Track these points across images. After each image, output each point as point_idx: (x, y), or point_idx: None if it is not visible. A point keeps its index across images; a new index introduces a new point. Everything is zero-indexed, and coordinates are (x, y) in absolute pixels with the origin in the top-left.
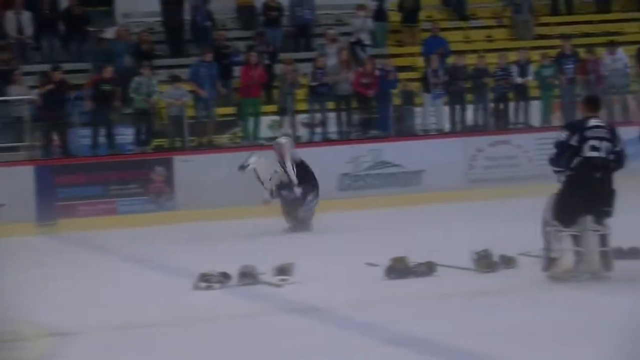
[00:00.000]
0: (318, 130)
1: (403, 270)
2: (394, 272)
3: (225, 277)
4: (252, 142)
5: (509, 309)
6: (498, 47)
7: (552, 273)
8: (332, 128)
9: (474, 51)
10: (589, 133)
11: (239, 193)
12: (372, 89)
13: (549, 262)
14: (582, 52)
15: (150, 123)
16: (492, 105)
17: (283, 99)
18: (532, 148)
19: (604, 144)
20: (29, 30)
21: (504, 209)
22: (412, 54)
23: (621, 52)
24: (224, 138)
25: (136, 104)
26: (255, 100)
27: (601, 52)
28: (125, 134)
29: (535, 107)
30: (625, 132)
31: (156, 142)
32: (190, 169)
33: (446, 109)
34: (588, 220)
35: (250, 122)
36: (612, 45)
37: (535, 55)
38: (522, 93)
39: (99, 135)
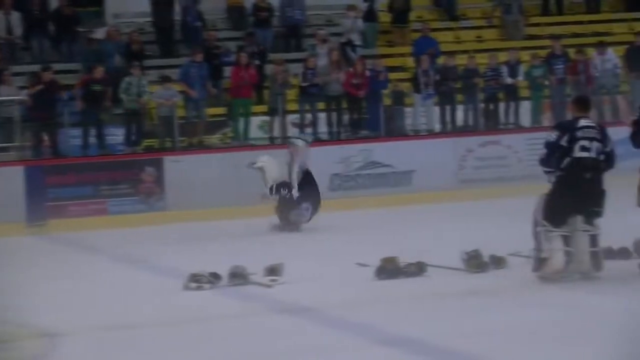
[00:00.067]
0: (308, 130)
1: (393, 270)
2: (385, 272)
3: (215, 277)
4: (243, 143)
5: (499, 309)
6: (488, 47)
7: (542, 273)
8: (323, 128)
9: (464, 51)
10: (579, 133)
11: (230, 193)
12: (362, 90)
13: (539, 263)
14: (572, 52)
15: (141, 123)
16: (482, 105)
17: (273, 100)
18: (522, 148)
19: (594, 144)
20: (18, 30)
21: (494, 209)
22: (402, 55)
23: (611, 53)
24: (214, 138)
25: (126, 104)
26: (246, 101)
27: (591, 52)
28: (116, 134)
29: (526, 107)
30: (615, 133)
31: (146, 142)
32: (181, 169)
33: (436, 109)
34: (578, 220)
35: (241, 122)
36: (601, 45)
37: (525, 56)
38: (512, 93)
39: (89, 136)
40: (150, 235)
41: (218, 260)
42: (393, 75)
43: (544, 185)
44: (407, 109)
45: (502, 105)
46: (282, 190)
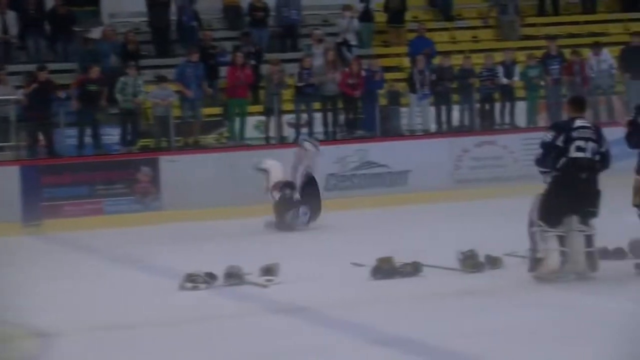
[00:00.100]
0: (304, 130)
1: (389, 270)
2: (380, 272)
3: (211, 277)
4: (238, 143)
5: (495, 309)
6: (484, 47)
7: (537, 273)
8: (318, 128)
9: (460, 52)
10: (574, 134)
11: (225, 193)
12: (358, 90)
13: (535, 263)
14: (567, 52)
15: (136, 123)
16: (478, 105)
17: (269, 100)
18: (517, 148)
19: (590, 145)
20: (14, 29)
21: (489, 209)
22: (398, 55)
23: (606, 53)
24: (210, 138)
25: (122, 104)
26: (242, 101)
27: (586, 53)
28: (111, 134)
29: (521, 107)
30: (611, 133)
31: (142, 142)
32: (176, 169)
33: (432, 109)
34: (574, 220)
35: (237, 122)
36: (597, 46)
37: (521, 56)
38: (507, 94)
39: (84, 135)
40: (145, 235)
41: (214, 260)
42: (389, 75)
43: (539, 185)
44: (403, 109)
45: (497, 106)
46: (285, 190)
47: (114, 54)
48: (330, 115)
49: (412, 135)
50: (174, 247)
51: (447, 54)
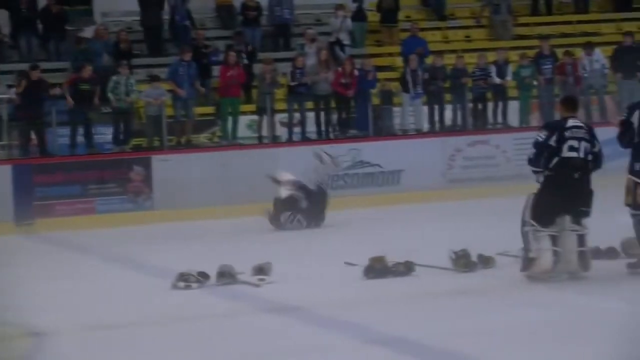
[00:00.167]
0: (297, 130)
1: (381, 269)
2: (373, 271)
3: (203, 276)
4: (231, 142)
5: (487, 309)
6: (477, 47)
7: (530, 273)
8: (311, 128)
9: (453, 51)
10: (567, 133)
11: (218, 193)
12: (351, 89)
13: (527, 262)
14: (560, 52)
15: (129, 122)
16: (470, 105)
17: (262, 99)
18: (510, 148)
19: (583, 144)
20: (6, 28)
21: (482, 208)
22: (391, 54)
23: (599, 53)
24: (202, 137)
25: (114, 103)
26: (234, 100)
27: (579, 52)
28: (104, 133)
29: (514, 107)
30: (603, 133)
31: (134, 141)
32: (169, 168)
33: (425, 109)
34: (566, 220)
35: (229, 121)
36: (589, 45)
37: (513, 56)
38: (500, 93)
39: (77, 135)
40: (138, 235)
41: (206, 259)
42: (381, 75)
43: (532, 185)
44: (396, 109)
45: (490, 105)
46: (298, 191)
47: (106, 53)
48: (322, 114)
49: (405, 134)
50: (166, 246)
51: (439, 53)
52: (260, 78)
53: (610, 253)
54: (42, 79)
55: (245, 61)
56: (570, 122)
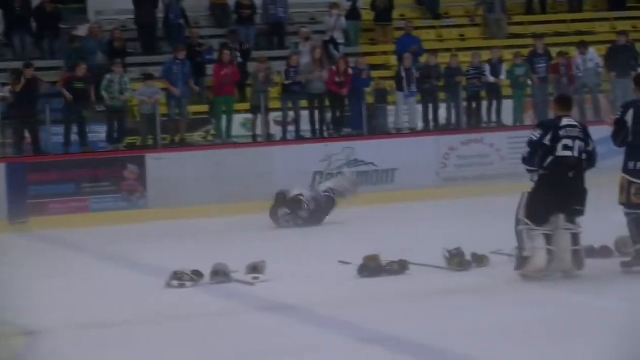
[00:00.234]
0: (291, 128)
1: (376, 268)
2: (367, 270)
3: (197, 275)
4: (225, 141)
5: (481, 307)
6: (471, 45)
7: (524, 272)
8: (305, 126)
9: (447, 50)
10: (562, 132)
11: (212, 191)
12: (345, 88)
13: (522, 261)
14: (554, 51)
15: (123, 121)
16: (464, 104)
17: (256, 97)
18: (504, 147)
19: (577, 143)
20: (0, 27)
21: (476, 207)
22: (385, 53)
23: (593, 52)
24: (196, 136)
25: (108, 101)
26: (228, 99)
27: (573, 52)
28: (98, 132)
29: (508, 106)
30: (597, 132)
31: (128, 140)
32: (163, 167)
33: (419, 107)
34: (560, 219)
35: (223, 120)
36: (583, 44)
37: (507, 54)
38: (494, 92)
39: (71, 133)
40: (132, 233)
41: (200, 258)
42: (376, 74)
43: (526, 183)
44: (390, 107)
45: (484, 104)
46: (308, 202)
47: (100, 52)
48: (317, 113)
49: (399, 133)
50: (160, 245)
51: (434, 52)
52: (255, 77)
53: (604, 252)
54: (36, 78)
55: (240, 60)
56: (565, 121)
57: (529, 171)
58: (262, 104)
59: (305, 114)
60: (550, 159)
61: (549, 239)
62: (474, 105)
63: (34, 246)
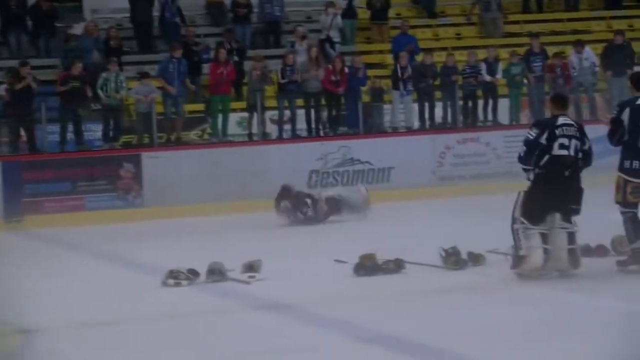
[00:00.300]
0: (287, 127)
1: (372, 267)
2: (363, 269)
3: (193, 274)
4: (221, 139)
5: (477, 306)
6: (467, 44)
7: (520, 270)
8: (301, 125)
9: (443, 49)
10: (558, 131)
11: (207, 190)
12: (341, 86)
13: (518, 260)
14: (550, 50)
15: (119, 119)
16: (460, 102)
17: (252, 96)
18: (500, 145)
19: (573, 142)
20: None
21: (472, 206)
22: (381, 52)
23: (589, 51)
24: (192, 135)
25: (104, 100)
26: (224, 97)
27: (569, 51)
28: (94, 130)
29: (504, 104)
30: (593, 130)
31: (124, 138)
32: (159, 165)
33: (415, 106)
34: (556, 218)
35: (219, 119)
36: (579, 43)
37: (504, 53)
38: (490, 91)
39: (67, 132)
40: (127, 232)
41: (196, 256)
42: (372, 72)
43: (522, 182)
44: (386, 106)
45: (480, 103)
46: (320, 201)
47: (96, 50)
48: (313, 112)
49: (395, 132)
50: (156, 243)
51: (430, 50)
52: (250, 75)
53: (600, 250)
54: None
55: (236, 58)
56: (561, 120)
57: (525, 170)
58: (258, 103)
59: (301, 112)
60: (546, 157)
61: (545, 237)
62: (470, 104)
63: (29, 245)
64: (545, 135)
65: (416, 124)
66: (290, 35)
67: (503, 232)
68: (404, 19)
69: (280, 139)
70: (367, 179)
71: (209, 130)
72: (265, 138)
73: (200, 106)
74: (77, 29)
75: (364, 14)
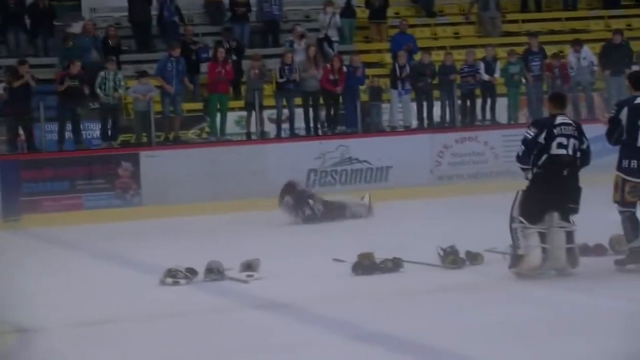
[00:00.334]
0: (285, 126)
1: (370, 266)
2: (361, 268)
3: (191, 272)
4: (219, 138)
5: (475, 305)
6: (465, 43)
7: (518, 270)
8: (300, 124)
9: (441, 48)
10: (556, 130)
11: (206, 189)
12: (339, 86)
13: (516, 259)
14: (549, 49)
15: (117, 118)
16: (459, 102)
17: (250, 95)
18: (498, 145)
19: (571, 142)
20: None
21: (470, 205)
22: (379, 51)
23: (587, 50)
24: (190, 134)
25: (102, 99)
26: (222, 96)
27: (567, 50)
28: (92, 129)
29: (502, 104)
30: (591, 130)
31: (122, 137)
32: (157, 164)
33: (413, 105)
34: (555, 217)
35: (217, 117)
36: (577, 42)
37: (502, 52)
38: (489, 90)
39: (65, 131)
40: (125, 231)
41: (194, 255)
42: (370, 71)
43: (520, 181)
44: (384, 105)
45: (478, 102)
46: (325, 203)
47: (94, 49)
48: (311, 111)
49: (393, 131)
50: (154, 242)
51: (428, 50)
52: (249, 74)
53: (598, 250)
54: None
55: (234, 57)
56: (559, 119)
57: (523, 169)
58: (257, 102)
59: (299, 111)
60: (544, 157)
61: (543, 237)
62: (468, 103)
63: (27, 243)
64: (543, 135)
65: (414, 123)
66: (288, 34)
67: (501, 231)
68: (402, 18)
69: (278, 138)
70: (365, 178)
71: (207, 129)
72: (263, 137)
73: (198, 105)
74: (76, 28)
75: (362, 13)
